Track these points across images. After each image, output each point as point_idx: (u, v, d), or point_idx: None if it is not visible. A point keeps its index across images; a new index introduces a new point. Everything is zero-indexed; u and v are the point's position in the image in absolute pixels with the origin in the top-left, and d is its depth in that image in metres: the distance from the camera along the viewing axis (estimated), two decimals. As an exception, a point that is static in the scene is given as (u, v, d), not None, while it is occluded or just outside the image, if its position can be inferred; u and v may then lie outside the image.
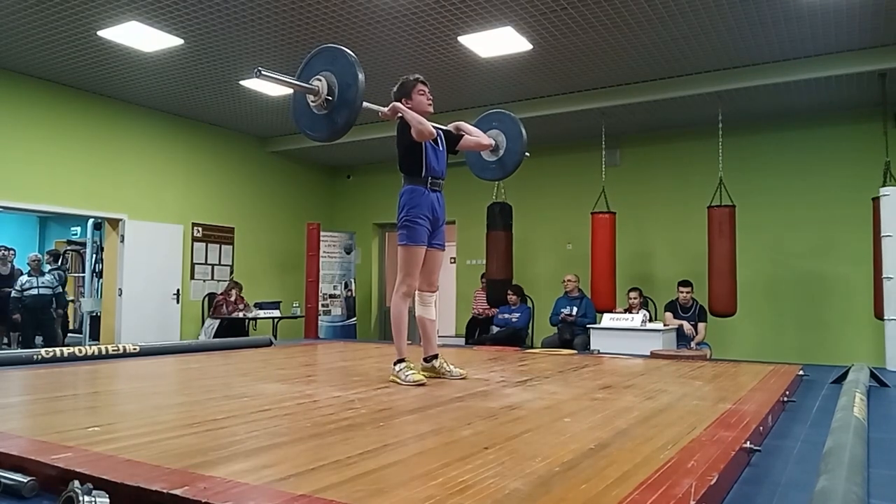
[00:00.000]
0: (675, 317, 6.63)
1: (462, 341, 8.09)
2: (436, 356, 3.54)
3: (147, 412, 2.58)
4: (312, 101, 3.18)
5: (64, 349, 4.66)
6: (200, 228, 8.63)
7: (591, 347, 6.16)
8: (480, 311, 8.31)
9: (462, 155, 3.92)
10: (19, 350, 5.86)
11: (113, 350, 4.75)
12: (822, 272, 7.22)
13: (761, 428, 2.29)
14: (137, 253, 7.73)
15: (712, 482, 1.54)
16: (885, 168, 6.07)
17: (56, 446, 1.81)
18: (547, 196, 8.80)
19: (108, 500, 1.41)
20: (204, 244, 8.68)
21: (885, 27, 5.36)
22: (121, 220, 7.68)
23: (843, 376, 3.70)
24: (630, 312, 6.53)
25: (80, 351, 4.62)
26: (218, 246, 8.87)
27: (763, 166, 7.57)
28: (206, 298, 8.56)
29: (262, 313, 8.18)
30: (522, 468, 1.66)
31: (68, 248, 10.25)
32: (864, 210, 6.20)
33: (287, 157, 9.78)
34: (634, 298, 6.82)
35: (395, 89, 3.47)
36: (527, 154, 4.11)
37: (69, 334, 9.04)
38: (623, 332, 6.16)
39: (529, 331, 7.78)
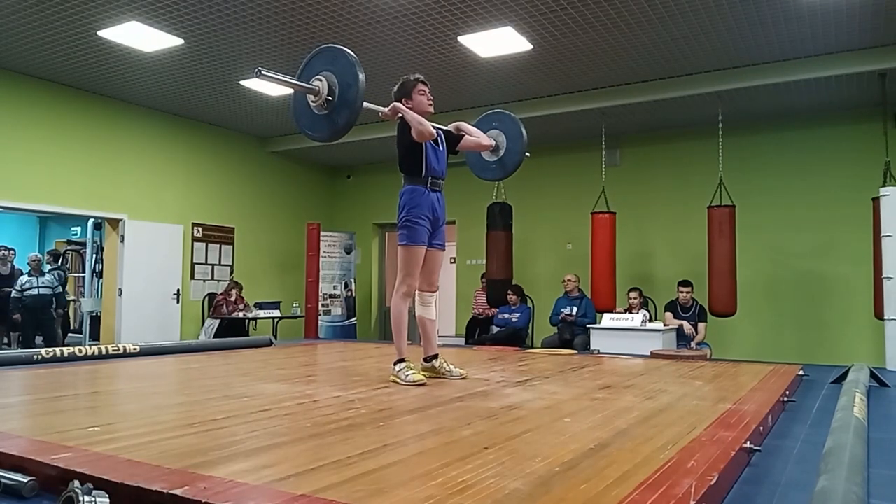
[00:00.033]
0: (675, 317, 6.63)
1: (462, 341, 8.09)
2: (436, 356, 3.54)
3: (147, 412, 2.58)
4: (313, 102, 3.18)
5: (64, 349, 4.66)
6: (200, 228, 8.63)
7: (591, 347, 6.16)
8: (480, 311, 8.31)
9: (462, 155, 3.91)
10: (19, 350, 5.86)
11: (113, 350, 4.75)
12: (822, 272, 7.22)
13: (761, 428, 2.29)
14: (137, 253, 7.73)
15: (712, 482, 1.54)
16: (885, 168, 6.07)
17: (56, 446, 1.81)
18: (547, 196, 8.80)
19: (108, 500, 1.41)
20: (204, 244, 8.69)
21: (885, 27, 5.36)
22: (121, 220, 7.68)
23: (843, 376, 3.70)
24: (630, 312, 6.53)
25: (80, 351, 4.61)
26: (218, 246, 8.87)
27: (763, 166, 7.57)
28: (206, 298, 8.56)
29: (262, 313, 8.18)
30: (522, 468, 1.66)
31: (68, 248, 10.25)
32: (864, 210, 6.20)
33: (287, 157, 9.78)
34: (634, 298, 6.82)
35: (395, 89, 3.47)
36: (527, 154, 4.11)
37: (70, 334, 9.04)
38: (623, 332, 6.16)
39: (529, 331, 7.78)
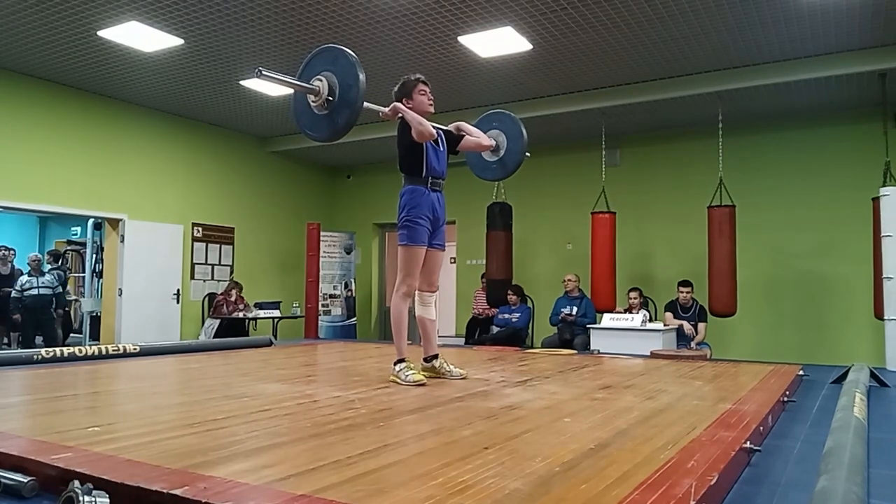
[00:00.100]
0: (675, 317, 6.63)
1: (462, 341, 8.09)
2: (436, 356, 3.54)
3: (147, 412, 2.58)
4: (313, 102, 3.18)
5: (64, 349, 4.66)
6: (200, 228, 8.63)
7: (591, 347, 6.16)
8: (480, 311, 8.31)
9: (462, 155, 3.91)
10: (19, 350, 5.86)
11: (113, 350, 4.75)
12: (822, 272, 7.22)
13: (761, 428, 2.29)
14: (137, 253, 7.73)
15: (712, 482, 1.54)
16: (885, 168, 6.07)
17: (56, 446, 1.81)
18: (547, 196, 8.80)
19: (108, 500, 1.41)
20: (204, 244, 8.69)
21: (885, 27, 5.36)
22: (121, 220, 7.68)
23: (843, 376, 3.70)
24: (630, 312, 6.53)
25: (80, 351, 4.61)
26: (218, 246, 8.87)
27: (763, 166, 7.57)
28: (207, 298, 8.56)
29: (262, 313, 8.18)
30: (522, 468, 1.66)
31: (68, 248, 10.25)
32: (864, 210, 6.20)
33: (287, 157, 9.78)
34: (634, 298, 6.82)
35: (395, 89, 3.47)
36: (527, 154, 4.11)
37: (72, 335, 9.04)
38: (623, 332, 6.16)
39: (529, 331, 7.78)
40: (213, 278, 8.77)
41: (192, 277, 8.53)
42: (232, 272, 8.93)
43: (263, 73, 2.96)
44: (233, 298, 8.09)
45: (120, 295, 7.62)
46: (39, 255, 8.19)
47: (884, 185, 5.75)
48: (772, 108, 7.23)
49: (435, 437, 2.10)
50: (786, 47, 5.82)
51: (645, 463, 1.72)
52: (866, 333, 6.72)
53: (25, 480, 1.57)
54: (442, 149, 3.55)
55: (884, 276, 5.25)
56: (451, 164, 3.68)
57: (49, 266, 8.60)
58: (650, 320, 6.39)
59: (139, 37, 5.73)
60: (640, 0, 4.98)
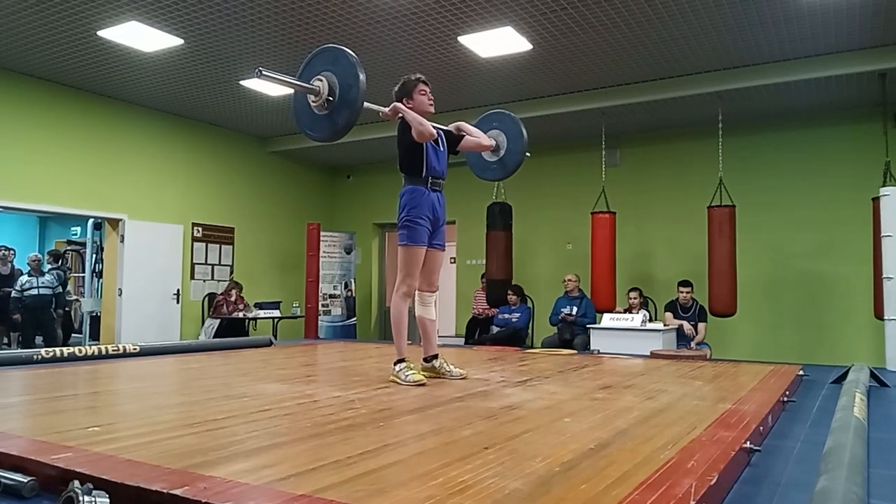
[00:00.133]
0: (675, 317, 6.63)
1: (462, 341, 8.09)
2: (436, 356, 3.54)
3: (147, 412, 2.58)
4: (313, 102, 3.18)
5: (64, 349, 4.66)
6: (200, 228, 8.63)
7: (591, 347, 6.16)
8: (480, 311, 8.31)
9: (462, 155, 3.91)
10: (19, 350, 5.86)
11: (113, 350, 4.75)
12: (822, 272, 7.22)
13: (761, 428, 2.29)
14: (137, 253, 7.73)
15: (712, 482, 1.54)
16: (885, 168, 6.07)
17: (56, 446, 1.81)
18: (547, 196, 8.80)
19: (108, 500, 1.41)
20: (204, 244, 8.69)
21: (885, 27, 5.36)
22: (121, 220, 7.68)
23: (843, 376, 3.70)
24: (630, 312, 6.53)
25: (80, 351, 4.61)
26: (218, 246, 8.87)
27: (763, 166, 7.57)
28: (206, 298, 8.56)
29: (262, 313, 8.18)
30: (522, 468, 1.66)
31: (68, 248, 10.25)
32: (864, 210, 6.21)
33: (287, 157, 9.78)
34: (634, 298, 6.82)
35: (396, 89, 3.47)
36: (527, 154, 4.11)
37: (73, 335, 9.03)
38: (623, 332, 6.16)
39: (529, 331, 7.78)
40: (213, 278, 8.77)
41: (192, 277, 8.53)
42: (232, 272, 8.93)
43: (263, 73, 2.96)
44: (233, 298, 8.09)
45: (120, 295, 7.62)
46: (39, 255, 8.19)
47: (884, 185, 5.76)
48: (772, 108, 7.23)
49: (435, 437, 2.10)
50: (786, 47, 5.82)
51: (645, 463, 1.72)
52: (866, 333, 6.73)
53: (25, 480, 1.57)
54: (442, 149, 3.55)
55: (884, 276, 5.25)
56: (451, 164, 3.68)
57: (49, 266, 8.60)
58: (650, 320, 6.39)
59: (139, 37, 5.73)
60: (640, 0, 4.98)
